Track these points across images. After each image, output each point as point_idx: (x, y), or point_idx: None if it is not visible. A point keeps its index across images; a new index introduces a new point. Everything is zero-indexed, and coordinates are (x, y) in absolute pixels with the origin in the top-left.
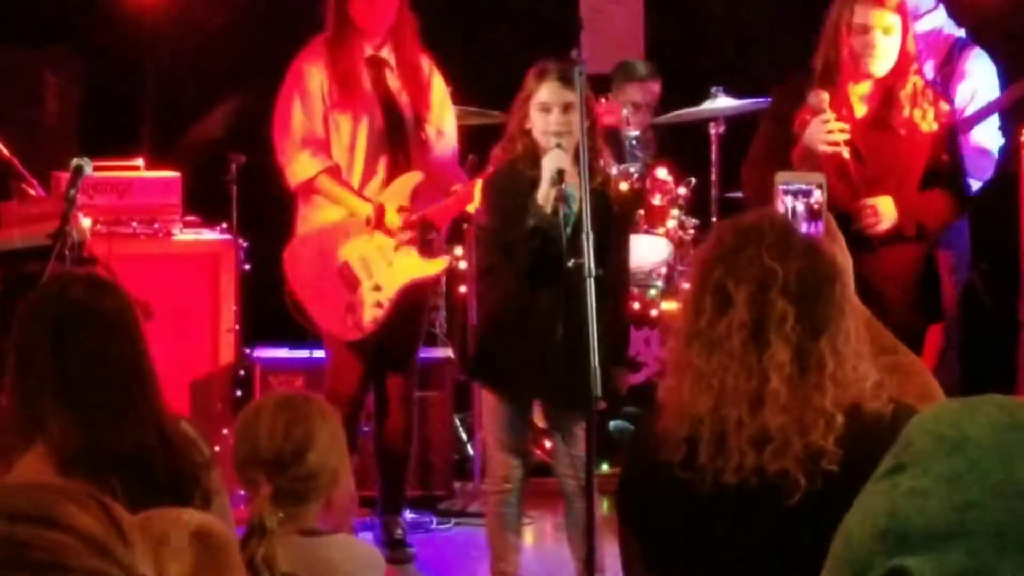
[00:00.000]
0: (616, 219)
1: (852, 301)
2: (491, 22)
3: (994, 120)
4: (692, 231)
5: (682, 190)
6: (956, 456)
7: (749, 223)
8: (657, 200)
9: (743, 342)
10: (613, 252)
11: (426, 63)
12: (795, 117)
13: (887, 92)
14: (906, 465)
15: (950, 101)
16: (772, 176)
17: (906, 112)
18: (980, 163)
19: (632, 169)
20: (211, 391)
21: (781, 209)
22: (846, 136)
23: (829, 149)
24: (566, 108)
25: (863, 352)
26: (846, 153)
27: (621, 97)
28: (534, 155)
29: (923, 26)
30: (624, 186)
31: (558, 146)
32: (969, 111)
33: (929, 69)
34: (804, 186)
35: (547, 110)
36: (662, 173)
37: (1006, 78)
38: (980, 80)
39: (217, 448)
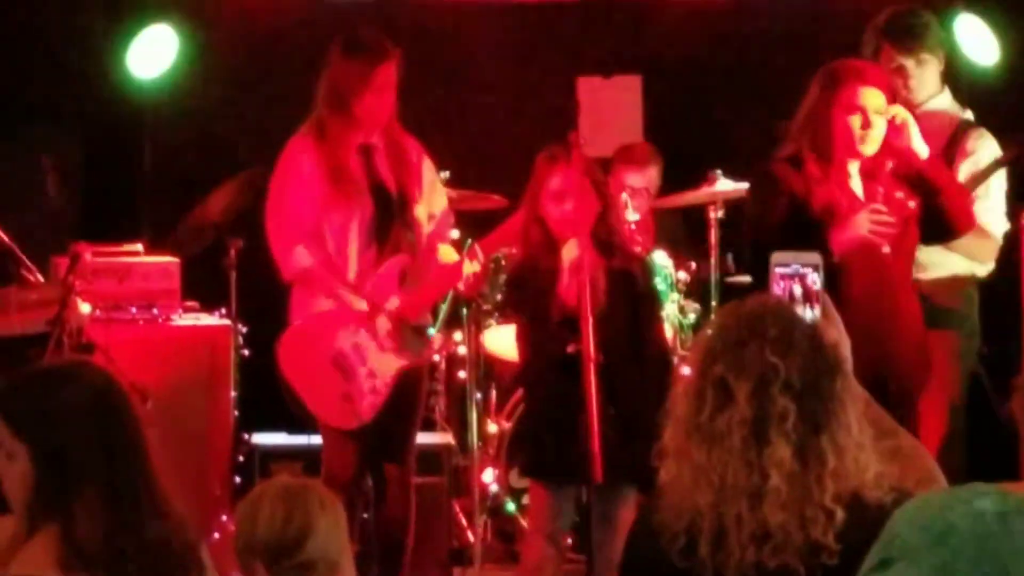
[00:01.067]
0: (644, 297)
1: (853, 389)
2: (489, 105)
3: (1000, 204)
4: (692, 315)
5: (682, 274)
6: (942, 547)
7: (752, 313)
8: (657, 285)
9: (743, 438)
10: (647, 329)
11: (413, 146)
12: (802, 200)
13: (870, 174)
14: (893, 559)
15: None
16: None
17: (898, 195)
18: (977, 244)
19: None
20: (210, 477)
21: (776, 291)
22: (891, 230)
23: (871, 236)
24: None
25: (864, 443)
26: (887, 248)
27: (623, 180)
28: (549, 244)
29: (929, 107)
30: None
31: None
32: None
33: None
34: (800, 268)
35: (561, 198)
36: (661, 257)
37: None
38: (983, 158)
39: (216, 534)
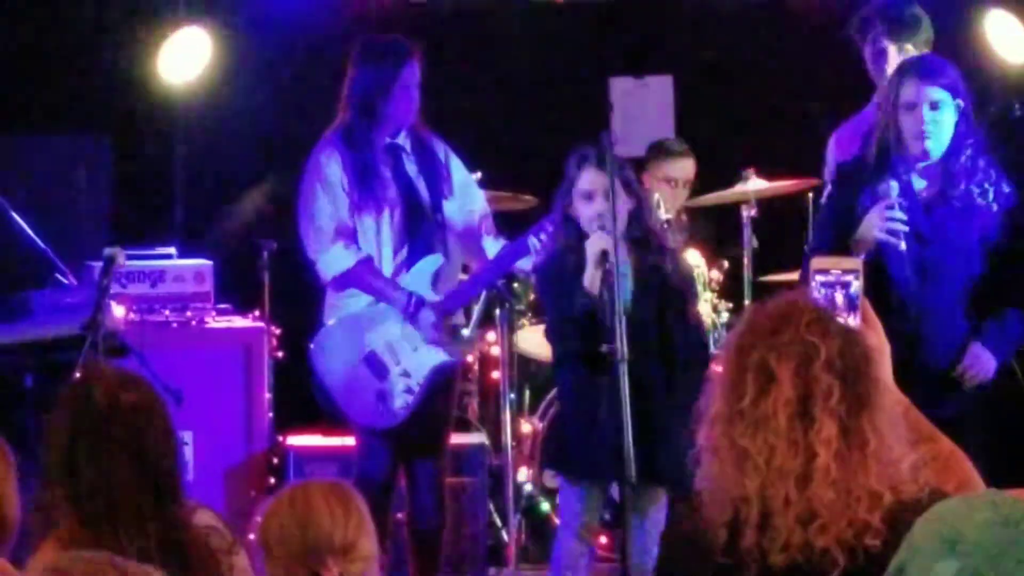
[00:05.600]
0: (677, 293)
1: (888, 384)
2: (521, 105)
3: None
4: (725, 314)
5: (715, 273)
6: (952, 557)
7: (784, 304)
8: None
9: (789, 418)
10: (679, 328)
11: (440, 146)
12: (857, 202)
13: (944, 169)
14: (907, 565)
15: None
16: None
17: (961, 186)
18: None
19: None
20: (245, 479)
21: (817, 298)
22: (904, 227)
23: (884, 237)
24: (609, 193)
25: (900, 434)
26: (903, 245)
27: (658, 174)
28: (579, 241)
29: None
30: None
31: (601, 228)
32: None
33: None
34: (841, 276)
35: (590, 197)
36: (694, 256)
37: None
38: None
39: (251, 536)
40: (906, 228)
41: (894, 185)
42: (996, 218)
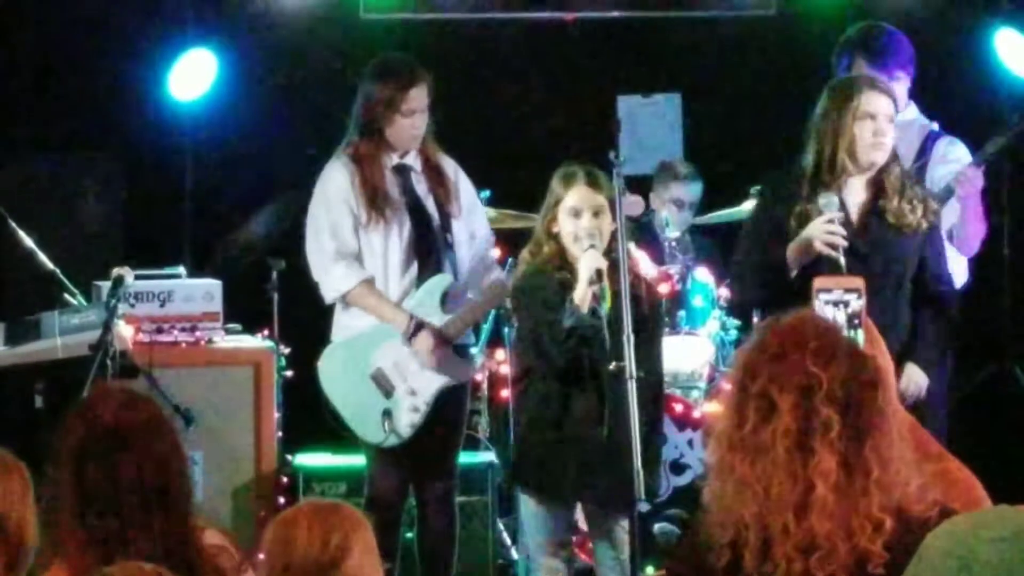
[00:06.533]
0: (644, 319)
1: (894, 405)
2: (529, 124)
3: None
4: (733, 332)
5: (723, 291)
6: (963, 573)
7: (792, 327)
8: (698, 302)
9: (788, 450)
10: (643, 353)
11: (450, 165)
12: (789, 214)
13: (877, 184)
14: None
15: (937, 202)
16: (756, 274)
17: (895, 202)
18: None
19: (672, 271)
20: (254, 498)
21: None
22: (843, 242)
23: (825, 250)
24: (596, 212)
25: (906, 456)
26: (842, 260)
27: (664, 195)
28: (561, 258)
29: (899, 120)
30: (664, 287)
31: (592, 247)
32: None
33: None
34: (843, 294)
35: (577, 215)
36: (702, 274)
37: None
38: (955, 164)
39: (261, 556)
40: (845, 244)
41: (833, 199)
42: (926, 235)
